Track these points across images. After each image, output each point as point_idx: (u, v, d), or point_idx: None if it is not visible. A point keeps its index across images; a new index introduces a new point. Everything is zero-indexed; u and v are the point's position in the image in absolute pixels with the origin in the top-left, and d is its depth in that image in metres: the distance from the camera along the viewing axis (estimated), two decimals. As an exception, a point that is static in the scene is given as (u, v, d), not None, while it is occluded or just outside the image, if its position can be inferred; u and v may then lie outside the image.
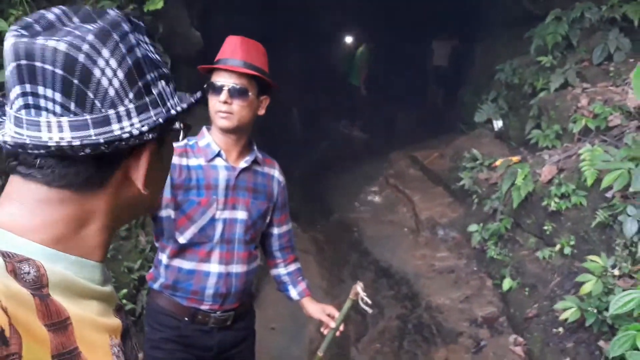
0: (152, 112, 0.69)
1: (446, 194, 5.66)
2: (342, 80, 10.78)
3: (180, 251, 2.00)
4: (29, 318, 0.56)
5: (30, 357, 0.53)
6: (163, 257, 2.05)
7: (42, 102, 0.63)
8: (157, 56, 0.72)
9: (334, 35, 10.96)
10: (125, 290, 3.23)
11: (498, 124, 5.78)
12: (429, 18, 9.16)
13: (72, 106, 0.63)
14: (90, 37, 0.63)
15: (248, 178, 2.05)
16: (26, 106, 0.63)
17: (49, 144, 0.62)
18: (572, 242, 3.63)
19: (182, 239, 1.97)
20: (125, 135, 0.65)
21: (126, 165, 0.70)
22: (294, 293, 2.31)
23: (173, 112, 0.71)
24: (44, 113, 0.63)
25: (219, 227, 1.98)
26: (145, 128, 0.66)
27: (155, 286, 2.07)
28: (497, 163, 4.92)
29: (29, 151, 0.63)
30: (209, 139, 2.00)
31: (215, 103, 1.90)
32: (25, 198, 0.65)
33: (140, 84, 0.67)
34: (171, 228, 1.97)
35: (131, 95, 0.66)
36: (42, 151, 0.62)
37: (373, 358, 3.88)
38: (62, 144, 0.62)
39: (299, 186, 6.89)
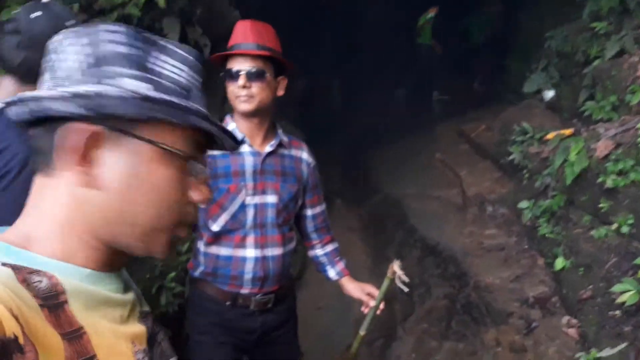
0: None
1: (495, 168, 5.51)
2: (392, 46, 10.43)
3: (216, 238, 2.04)
4: (41, 326, 0.56)
5: None
6: (200, 245, 2.10)
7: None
8: (170, 74, 0.72)
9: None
10: (174, 273, 3.31)
11: (549, 94, 5.54)
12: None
13: (48, 84, 0.68)
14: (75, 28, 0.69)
15: (275, 162, 2.06)
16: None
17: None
18: (630, 221, 3.47)
19: (215, 227, 2.01)
20: (44, 94, 0.65)
21: (72, 150, 0.66)
22: (332, 273, 2.33)
23: (116, 92, 0.64)
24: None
25: (250, 213, 2.01)
26: (67, 93, 0.64)
27: (196, 274, 2.12)
28: (549, 136, 4.73)
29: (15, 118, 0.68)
30: (233, 125, 2.03)
31: (234, 89, 1.92)
32: (31, 197, 0.68)
33: (101, 69, 0.67)
34: (204, 217, 2.01)
35: (94, 79, 0.67)
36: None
37: (420, 338, 3.87)
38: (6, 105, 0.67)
39: (341, 163, 6.87)
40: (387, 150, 7.11)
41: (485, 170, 5.54)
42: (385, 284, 2.19)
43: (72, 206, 0.67)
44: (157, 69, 0.70)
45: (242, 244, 2.03)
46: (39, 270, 0.61)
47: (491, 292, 4.01)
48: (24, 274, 0.59)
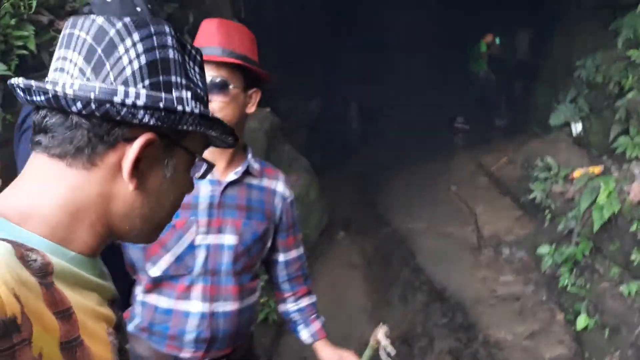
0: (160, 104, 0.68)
1: (514, 206, 5.03)
2: (408, 73, 10.13)
3: (155, 286, 1.65)
4: (39, 306, 0.57)
5: (41, 344, 0.54)
6: (138, 292, 1.71)
7: (66, 65, 0.67)
8: (200, 83, 0.75)
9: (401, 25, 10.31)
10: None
11: (577, 127, 5.06)
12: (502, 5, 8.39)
13: (89, 71, 0.66)
14: (126, 20, 0.67)
15: (239, 193, 1.69)
16: (55, 69, 0.68)
17: (49, 88, 0.64)
18: (667, 280, 2.97)
19: (155, 271, 1.63)
20: (117, 100, 0.64)
21: (122, 151, 0.67)
22: (305, 334, 1.92)
23: (180, 107, 0.69)
24: (64, 74, 0.67)
25: (200, 256, 1.63)
26: (140, 102, 0.65)
27: (131, 327, 1.71)
28: (575, 174, 4.25)
29: (33, 98, 0.66)
30: None
31: None
32: (29, 174, 0.68)
33: (161, 78, 0.69)
34: (142, 257, 1.63)
35: (147, 82, 0.68)
36: (42, 97, 0.65)
37: (419, 399, 3.40)
38: (58, 92, 0.64)
39: (352, 189, 6.45)
40: (400, 179, 6.67)
41: (503, 207, 5.06)
42: (367, 354, 1.85)
43: (98, 200, 0.68)
44: (194, 77, 0.74)
45: (186, 295, 1.64)
46: (34, 248, 0.61)
47: (502, 350, 3.52)
48: (21, 251, 0.59)
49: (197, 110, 0.70)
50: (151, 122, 0.66)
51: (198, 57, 0.75)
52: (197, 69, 0.75)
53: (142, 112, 0.65)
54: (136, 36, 0.67)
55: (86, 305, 0.66)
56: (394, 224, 5.51)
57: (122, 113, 0.65)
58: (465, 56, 9.49)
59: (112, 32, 0.66)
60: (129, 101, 0.65)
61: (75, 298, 0.64)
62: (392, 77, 10.06)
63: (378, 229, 5.42)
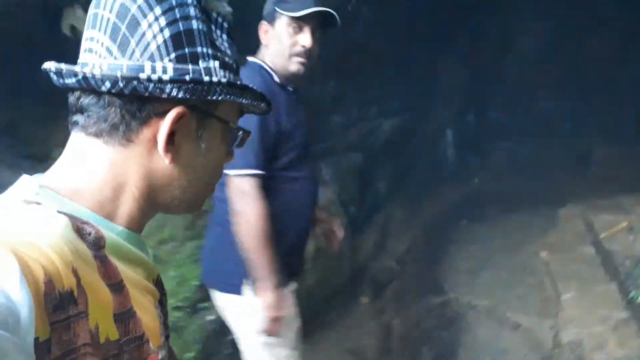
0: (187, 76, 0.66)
1: (619, 302, 3.37)
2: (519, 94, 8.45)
3: None
4: (95, 278, 0.58)
5: (96, 316, 0.56)
6: None
7: (94, 45, 0.67)
8: (228, 51, 0.73)
9: (513, 40, 8.61)
10: None
11: None
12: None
13: (115, 50, 0.66)
14: None
15: None
16: (85, 50, 0.69)
17: (77, 70, 0.65)
18: None
19: None
20: (143, 76, 0.64)
21: (155, 126, 0.67)
22: None
23: (207, 78, 0.67)
24: (93, 55, 0.67)
25: None
26: (167, 77, 0.65)
27: None
28: None
29: (66, 81, 0.66)
30: None
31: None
32: (70, 153, 0.68)
33: (186, 50, 0.68)
34: None
35: (172, 56, 0.67)
36: (73, 79, 0.65)
37: None
38: (87, 74, 0.64)
39: (410, 236, 5.07)
40: (481, 230, 5.20)
41: (603, 300, 3.43)
42: None
43: (137, 175, 0.68)
44: (221, 46, 0.72)
45: None
46: (88, 222, 0.62)
47: None
48: (77, 224, 0.60)
49: (225, 79, 0.69)
50: (179, 95, 0.66)
51: (225, 24, 0.74)
52: (224, 36, 0.74)
53: (169, 86, 0.65)
54: (158, 10, 0.66)
55: (135, 278, 0.68)
56: (449, 294, 4.10)
57: (150, 89, 0.65)
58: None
59: (133, 8, 0.66)
60: (155, 76, 0.64)
61: (125, 271, 0.65)
62: (507, 99, 8.41)
63: (423, 298, 4.04)
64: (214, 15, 0.72)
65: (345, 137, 4.88)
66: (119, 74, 0.63)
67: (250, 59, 2.01)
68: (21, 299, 0.46)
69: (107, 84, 0.63)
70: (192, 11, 0.68)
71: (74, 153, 0.68)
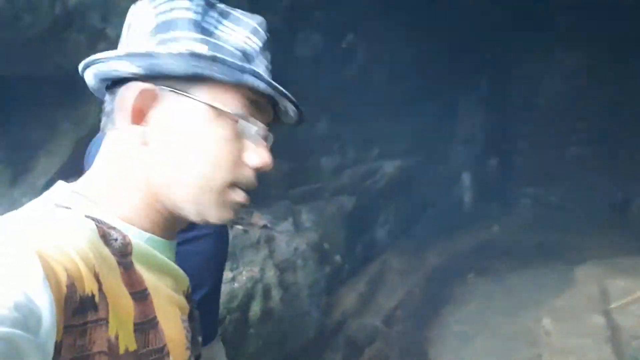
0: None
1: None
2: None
3: None
4: (117, 285, 0.57)
5: (116, 323, 0.55)
6: None
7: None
8: (229, 38, 0.71)
9: (542, 78, 8.12)
10: None
11: None
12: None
13: (121, 49, 0.70)
14: None
15: None
16: None
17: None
18: None
19: None
20: (102, 56, 0.67)
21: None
22: None
23: (164, 50, 0.66)
24: None
25: None
26: (123, 52, 0.66)
27: None
28: None
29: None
30: None
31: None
32: (99, 154, 0.70)
33: (168, 35, 0.68)
34: None
35: (153, 42, 0.68)
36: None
37: None
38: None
39: (413, 294, 4.62)
40: (482, 287, 4.71)
41: (606, 384, 2.92)
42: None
43: (126, 163, 0.67)
44: (217, 32, 0.70)
45: None
46: (115, 227, 0.62)
47: None
48: (104, 229, 0.60)
49: (186, 51, 0.65)
50: (137, 70, 0.66)
51: (245, 19, 0.73)
52: (235, 26, 0.72)
53: (126, 61, 0.66)
54: (150, 6, 0.70)
55: (161, 287, 0.66)
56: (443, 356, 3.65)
57: (105, 69, 0.67)
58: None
59: (135, 9, 0.72)
60: (112, 54, 0.66)
61: (152, 279, 0.64)
62: (535, 143, 7.92)
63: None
64: (227, 9, 0.73)
65: (335, 180, 4.55)
66: (90, 62, 0.68)
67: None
68: (43, 301, 0.46)
69: (91, 79, 0.71)
70: (185, 3, 0.69)
71: (100, 156, 0.70)
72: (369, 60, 5.01)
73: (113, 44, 0.72)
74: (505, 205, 7.26)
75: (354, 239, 4.56)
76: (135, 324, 0.58)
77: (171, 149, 0.67)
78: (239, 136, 0.69)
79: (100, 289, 0.53)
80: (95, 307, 0.52)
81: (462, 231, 6.32)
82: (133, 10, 0.71)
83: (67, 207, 0.61)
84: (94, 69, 0.69)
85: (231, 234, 2.83)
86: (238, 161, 0.70)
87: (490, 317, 4.13)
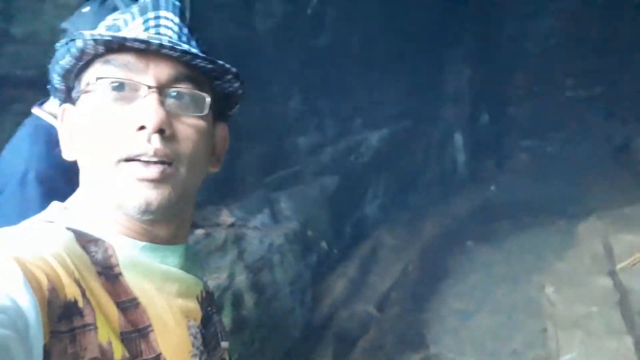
0: None
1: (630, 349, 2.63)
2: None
3: None
4: (100, 293, 0.56)
5: (106, 329, 0.54)
6: None
7: None
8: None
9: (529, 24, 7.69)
10: None
11: None
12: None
13: None
14: None
15: None
16: None
17: None
18: None
19: None
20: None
21: None
22: None
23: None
24: None
25: None
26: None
27: None
28: None
29: None
30: None
31: None
32: None
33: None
34: None
35: None
36: None
37: None
38: None
39: (408, 272, 4.38)
40: (481, 255, 4.47)
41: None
42: None
43: (81, 178, 0.68)
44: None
45: None
46: (97, 239, 0.61)
47: None
48: (83, 241, 0.59)
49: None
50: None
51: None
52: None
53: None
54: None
55: (161, 295, 0.64)
56: (430, 349, 3.42)
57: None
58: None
59: None
60: None
61: (149, 288, 0.62)
62: (527, 92, 7.57)
63: (399, 355, 3.37)
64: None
65: (314, 161, 4.26)
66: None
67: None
68: (27, 303, 0.46)
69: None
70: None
71: None
72: (339, 25, 4.65)
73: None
74: (502, 163, 6.97)
75: (342, 220, 4.31)
76: (121, 333, 0.57)
77: (79, 147, 0.67)
78: (107, 107, 0.63)
79: (83, 295, 0.53)
80: (80, 313, 0.51)
81: (459, 195, 6.06)
82: None
83: (50, 222, 0.61)
84: None
85: (191, 239, 2.57)
86: (119, 132, 0.62)
87: (491, 288, 3.90)
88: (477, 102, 6.86)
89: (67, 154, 0.68)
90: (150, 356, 0.59)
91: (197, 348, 0.67)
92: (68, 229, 0.59)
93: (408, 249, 4.68)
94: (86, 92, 0.65)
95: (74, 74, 0.67)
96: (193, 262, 0.72)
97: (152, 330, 0.60)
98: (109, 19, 0.70)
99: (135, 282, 0.61)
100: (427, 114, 6.06)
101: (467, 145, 6.67)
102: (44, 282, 0.49)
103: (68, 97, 0.69)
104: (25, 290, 0.46)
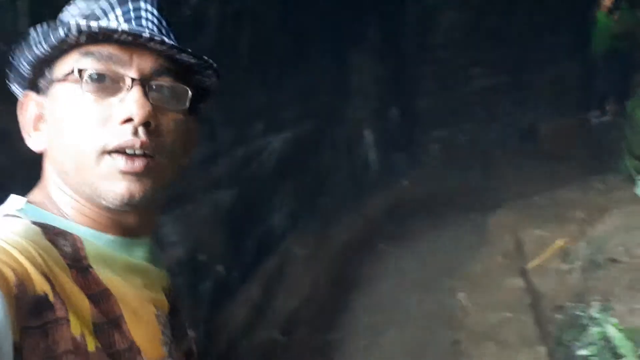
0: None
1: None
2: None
3: None
4: (70, 286, 0.56)
5: (79, 322, 0.54)
6: None
7: None
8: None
9: (432, 16, 7.63)
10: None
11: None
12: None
13: None
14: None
15: None
16: None
17: None
18: None
19: None
20: None
21: None
22: None
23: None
24: None
25: None
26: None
27: None
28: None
29: None
30: None
31: None
32: None
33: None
34: None
35: None
36: None
37: None
38: None
39: (317, 287, 4.07)
40: (392, 258, 4.25)
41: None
42: None
43: (48, 168, 0.67)
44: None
45: None
46: (65, 232, 0.61)
47: None
48: (51, 235, 0.59)
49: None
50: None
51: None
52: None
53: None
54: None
55: (129, 287, 0.64)
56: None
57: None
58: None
59: None
60: None
61: (116, 280, 0.62)
62: (435, 83, 7.51)
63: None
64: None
65: (205, 175, 3.85)
66: None
67: None
68: None
69: None
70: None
71: None
72: (225, 21, 4.25)
73: None
74: (414, 155, 6.84)
75: (242, 237, 3.93)
76: (94, 324, 0.56)
77: (51, 142, 0.65)
78: (88, 98, 0.62)
79: (53, 289, 0.52)
80: (51, 307, 0.51)
81: (371, 194, 5.84)
82: None
83: (16, 216, 0.60)
84: None
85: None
86: (102, 124, 0.61)
87: (403, 296, 3.66)
88: (384, 97, 6.66)
89: (34, 144, 0.66)
90: (124, 346, 0.59)
91: (167, 336, 0.67)
92: (34, 222, 0.58)
93: (318, 259, 4.39)
94: (61, 81, 0.64)
95: (44, 63, 0.65)
96: (157, 256, 0.71)
97: (125, 322, 0.60)
98: (84, 6, 0.66)
99: (103, 274, 0.61)
100: (332, 112, 5.78)
101: (378, 141, 6.47)
102: (11, 278, 0.49)
103: (30, 84, 0.67)
104: None
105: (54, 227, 0.59)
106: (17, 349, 0.47)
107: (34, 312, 0.49)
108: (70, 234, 0.60)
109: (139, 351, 0.61)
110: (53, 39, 0.61)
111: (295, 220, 4.80)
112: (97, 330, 0.56)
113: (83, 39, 0.61)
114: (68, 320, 0.52)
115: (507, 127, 7.49)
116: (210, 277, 3.41)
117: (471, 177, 6.07)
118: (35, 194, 0.65)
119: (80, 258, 0.59)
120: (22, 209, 0.61)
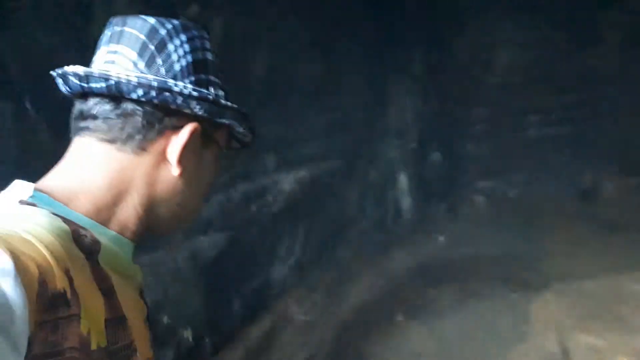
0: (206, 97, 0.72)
1: None
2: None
3: None
4: (87, 282, 0.57)
5: (89, 321, 0.55)
6: None
7: (117, 58, 0.70)
8: (224, 84, 0.77)
9: (489, 54, 6.88)
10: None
11: None
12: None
13: (141, 65, 0.69)
14: (175, 22, 0.72)
15: None
16: (105, 62, 0.71)
17: (112, 74, 0.67)
18: None
19: None
20: (176, 89, 0.68)
21: (168, 138, 0.70)
22: None
23: (223, 101, 0.73)
24: (115, 66, 0.69)
25: None
26: (195, 93, 0.69)
27: None
28: None
29: (92, 85, 0.67)
30: None
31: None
32: (75, 157, 0.69)
33: (203, 76, 0.72)
34: None
35: (193, 78, 0.71)
36: (102, 84, 0.66)
37: None
38: (122, 79, 0.66)
39: (328, 343, 3.35)
40: (407, 340, 3.50)
41: None
42: None
43: (143, 183, 0.69)
44: (221, 79, 0.76)
45: None
46: (84, 227, 0.62)
47: None
48: (73, 227, 0.60)
49: (234, 106, 0.74)
50: (200, 112, 0.70)
51: (217, 61, 0.77)
52: (219, 73, 0.77)
53: (194, 102, 0.69)
54: (183, 37, 0.72)
55: (124, 286, 0.66)
56: None
57: (179, 102, 0.69)
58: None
59: (162, 31, 0.71)
60: (186, 91, 0.69)
61: (116, 278, 0.64)
62: (485, 128, 6.74)
63: None
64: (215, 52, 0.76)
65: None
66: (154, 84, 0.67)
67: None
68: (16, 298, 0.46)
69: (140, 92, 0.67)
70: (207, 44, 0.74)
71: (77, 157, 0.69)
72: (234, 37, 3.68)
73: None
74: (455, 208, 6.05)
75: (226, 293, 3.27)
76: (106, 320, 0.57)
77: (189, 180, 0.71)
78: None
79: (71, 285, 0.53)
80: (67, 303, 0.51)
81: (400, 248, 5.10)
82: (158, 30, 0.70)
83: (31, 204, 0.60)
84: (107, 81, 0.67)
85: None
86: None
87: None
88: (425, 138, 5.94)
89: (176, 170, 0.70)
90: (125, 342, 0.60)
91: (150, 339, 0.69)
92: (56, 214, 0.59)
93: (321, 327, 3.67)
94: (216, 142, 0.75)
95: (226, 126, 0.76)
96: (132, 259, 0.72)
97: (127, 319, 0.61)
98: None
99: (108, 271, 0.62)
100: (362, 151, 5.10)
101: (414, 188, 5.73)
102: (35, 274, 0.49)
103: (204, 120, 0.71)
104: (15, 284, 0.46)
105: (71, 220, 0.60)
106: (29, 342, 0.47)
107: (50, 307, 0.49)
108: (87, 229, 0.61)
109: (135, 350, 0.62)
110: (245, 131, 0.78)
111: (301, 274, 4.12)
112: (108, 326, 0.57)
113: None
114: (79, 317, 0.52)
115: (563, 183, 6.63)
116: (172, 345, 2.76)
117: (518, 240, 5.24)
118: (46, 181, 0.66)
119: (96, 251, 0.61)
120: (32, 196, 0.62)
